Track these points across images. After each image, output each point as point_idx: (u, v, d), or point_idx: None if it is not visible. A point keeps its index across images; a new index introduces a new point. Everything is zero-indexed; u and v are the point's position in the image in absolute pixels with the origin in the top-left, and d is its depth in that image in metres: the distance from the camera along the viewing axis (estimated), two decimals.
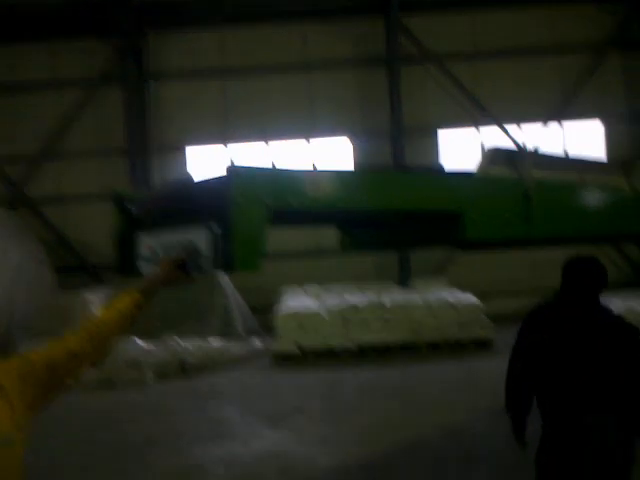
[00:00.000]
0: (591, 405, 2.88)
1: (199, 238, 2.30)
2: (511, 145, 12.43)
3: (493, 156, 3.28)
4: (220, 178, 2.37)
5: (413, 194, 3.02)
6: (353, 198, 2.81)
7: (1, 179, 13.60)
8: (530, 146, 12.83)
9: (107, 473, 5.32)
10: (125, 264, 2.73)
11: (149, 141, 13.54)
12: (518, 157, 3.48)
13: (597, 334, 2.92)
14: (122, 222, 2.80)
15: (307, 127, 13.48)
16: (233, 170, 2.34)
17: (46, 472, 5.37)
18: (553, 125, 13.65)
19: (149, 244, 2.56)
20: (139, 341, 9.20)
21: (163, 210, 2.62)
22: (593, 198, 4.09)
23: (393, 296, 10.27)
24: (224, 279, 11.07)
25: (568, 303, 2.99)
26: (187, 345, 9.44)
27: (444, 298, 9.98)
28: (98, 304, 10.02)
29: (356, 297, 10.20)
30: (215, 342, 9.73)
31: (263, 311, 11.35)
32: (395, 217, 3.56)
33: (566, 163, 4.05)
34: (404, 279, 12.71)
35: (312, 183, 2.61)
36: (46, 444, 6.22)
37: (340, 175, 2.81)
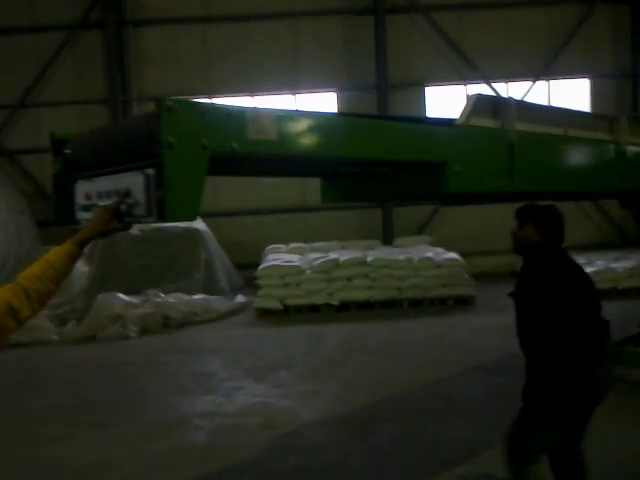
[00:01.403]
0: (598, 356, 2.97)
1: (135, 184, 2.11)
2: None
3: (476, 104, 3.20)
4: (150, 115, 2.07)
5: (384, 142, 2.81)
6: (316, 144, 2.49)
7: None
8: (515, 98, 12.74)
9: (91, 427, 5.33)
10: (64, 213, 2.53)
11: (130, 90, 13.25)
12: (502, 106, 3.42)
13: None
14: (61, 169, 2.55)
15: (292, 80, 13.26)
16: (163, 105, 2.00)
17: (30, 427, 5.41)
18: (540, 83, 13.55)
19: (87, 192, 2.39)
20: (122, 296, 9.17)
21: (96, 152, 2.38)
22: (577, 153, 4.07)
23: (376, 253, 10.30)
24: (208, 235, 11.02)
25: (551, 251, 3.08)
26: (170, 300, 9.43)
27: (427, 256, 10.01)
28: (80, 259, 9.95)
29: (339, 254, 10.21)
30: (198, 297, 9.73)
31: (247, 267, 11.35)
32: (368, 166, 3.48)
33: (550, 114, 4.00)
34: (388, 237, 12.74)
35: (261, 123, 2.27)
36: (29, 398, 6.25)
37: (300, 116, 2.48)
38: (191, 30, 13.30)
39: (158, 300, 9.39)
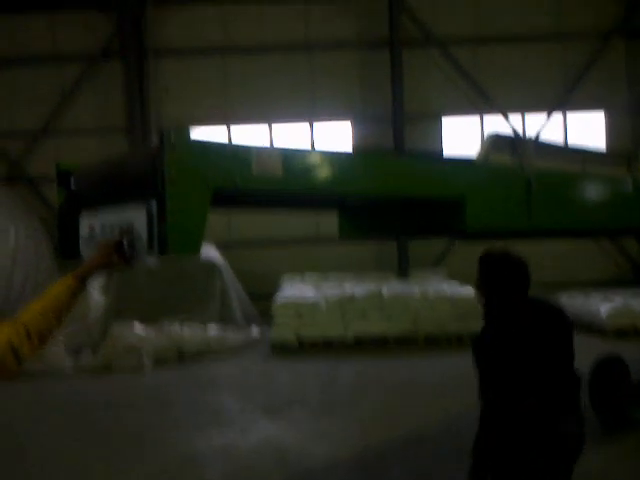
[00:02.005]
0: (561, 406, 2.74)
1: (138, 218, 2.10)
2: (513, 133, 12.34)
3: (494, 142, 3.21)
4: (155, 149, 2.08)
5: (401, 179, 2.82)
6: (324, 181, 2.50)
7: None
8: (532, 135, 12.76)
9: (104, 460, 5.28)
10: (68, 246, 2.51)
11: (149, 119, 13.45)
12: (519, 144, 3.42)
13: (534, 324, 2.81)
14: (66, 200, 2.54)
15: (309, 109, 13.40)
16: (167, 140, 2.03)
17: (42, 457, 5.38)
18: (556, 115, 13.57)
19: (90, 224, 2.38)
20: (137, 326, 9.17)
21: (100, 184, 2.38)
22: (595, 190, 4.04)
23: (392, 287, 10.23)
24: (223, 265, 11.04)
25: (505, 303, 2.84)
26: (185, 331, 9.41)
27: (442, 290, 9.93)
28: (96, 287, 9.98)
29: (355, 287, 10.15)
30: (213, 329, 9.70)
31: (262, 298, 11.32)
32: (377, 201, 3.47)
33: (568, 153, 4.00)
34: (403, 270, 12.67)
35: (266, 160, 2.27)
36: (43, 428, 6.23)
37: (308, 154, 2.50)
38: (210, 60, 13.51)
39: (173, 331, 9.37)
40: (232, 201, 3.04)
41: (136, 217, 2.11)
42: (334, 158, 2.63)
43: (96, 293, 10.07)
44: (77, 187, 2.49)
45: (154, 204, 2.05)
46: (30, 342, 1.96)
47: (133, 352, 8.76)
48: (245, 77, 13.41)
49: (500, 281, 2.81)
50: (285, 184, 2.35)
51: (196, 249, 2.10)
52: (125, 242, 2.12)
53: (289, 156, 2.38)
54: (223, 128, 13.53)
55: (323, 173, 2.50)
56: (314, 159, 2.51)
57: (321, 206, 4.15)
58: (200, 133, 13.43)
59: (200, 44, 13.46)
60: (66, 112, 13.52)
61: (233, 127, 13.56)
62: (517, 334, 2.75)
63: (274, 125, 13.57)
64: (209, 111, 13.42)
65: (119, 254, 2.13)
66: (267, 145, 2.38)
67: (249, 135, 13.42)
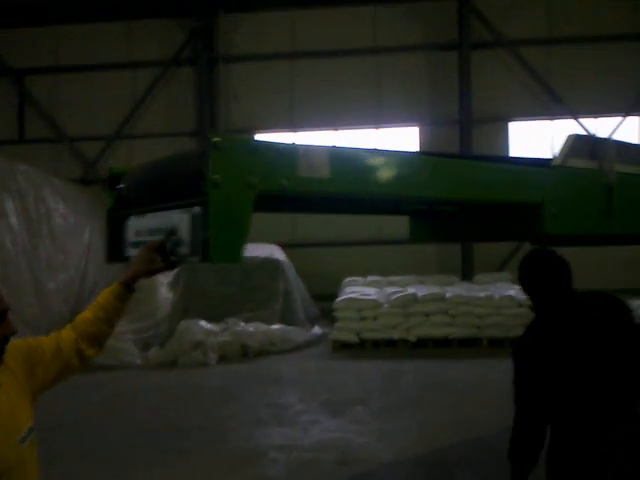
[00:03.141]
0: (612, 413, 2.51)
1: (181, 222, 2.05)
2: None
3: (573, 144, 3.10)
4: (200, 152, 2.00)
5: (476, 183, 2.68)
6: (380, 183, 2.31)
7: (75, 156, 14.11)
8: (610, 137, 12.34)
9: (168, 453, 5.42)
10: (115, 250, 2.48)
11: (218, 123, 13.74)
12: (600, 147, 3.30)
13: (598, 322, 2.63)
14: (114, 204, 2.49)
15: (375, 114, 13.39)
16: (210, 141, 1.93)
17: (108, 452, 5.52)
18: (631, 119, 13.09)
19: (138, 228, 2.35)
20: (204, 323, 9.38)
21: (147, 188, 2.33)
22: None
23: (455, 289, 10.11)
24: (287, 265, 11.15)
25: (554, 305, 2.70)
26: (249, 329, 9.57)
27: (508, 294, 9.74)
28: (166, 284, 10.26)
29: (417, 289, 10.08)
30: (276, 327, 9.83)
31: (324, 299, 11.39)
32: (435, 205, 3.36)
33: None
34: (467, 273, 12.50)
35: (313, 160, 2.13)
36: (108, 422, 6.42)
37: (357, 153, 2.30)
38: (278, 65, 13.71)
39: (237, 329, 9.54)
40: (278, 204, 2.92)
41: (181, 221, 2.05)
42: (394, 158, 2.45)
43: (164, 290, 10.36)
44: (125, 190, 2.45)
45: (198, 209, 1.98)
46: (90, 346, 2.07)
47: (199, 348, 8.97)
48: (312, 81, 13.54)
49: (539, 278, 2.74)
50: (332, 186, 2.19)
51: (237, 258, 1.99)
52: (168, 246, 2.10)
53: (338, 155, 2.21)
54: (290, 134, 13.68)
55: (379, 174, 2.31)
56: (367, 159, 2.31)
57: (379, 211, 4.04)
58: (267, 139, 13.60)
59: (268, 49, 13.69)
60: (139, 116, 14.01)
61: (300, 133, 13.69)
62: (560, 330, 2.62)
63: (341, 131, 13.62)
64: (276, 116, 13.62)
65: (163, 258, 2.12)
66: (315, 144, 2.14)
67: (316, 141, 13.51)
